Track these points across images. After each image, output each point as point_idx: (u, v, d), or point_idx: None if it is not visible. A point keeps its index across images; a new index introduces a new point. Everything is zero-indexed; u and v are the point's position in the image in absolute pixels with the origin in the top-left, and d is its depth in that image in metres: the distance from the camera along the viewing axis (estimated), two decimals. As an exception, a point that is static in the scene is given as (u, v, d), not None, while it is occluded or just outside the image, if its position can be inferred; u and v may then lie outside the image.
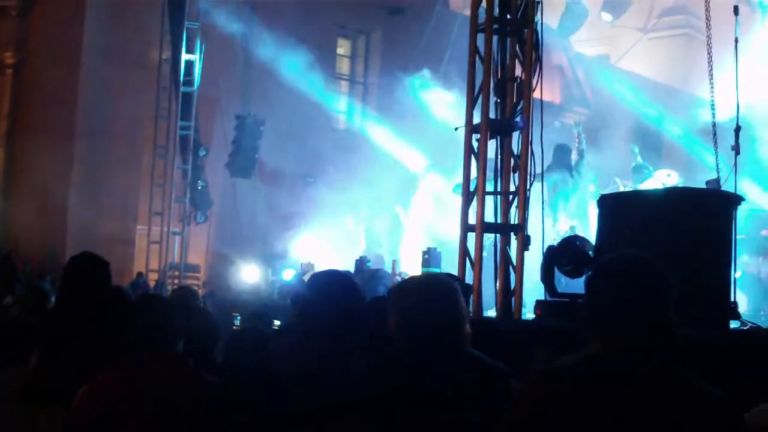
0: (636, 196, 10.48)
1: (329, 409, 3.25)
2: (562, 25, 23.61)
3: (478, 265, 9.81)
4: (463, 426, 3.14)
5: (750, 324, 8.12)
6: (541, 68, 9.92)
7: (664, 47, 25.29)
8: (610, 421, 2.77)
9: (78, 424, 4.14)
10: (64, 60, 18.84)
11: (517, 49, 10.10)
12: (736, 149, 9.64)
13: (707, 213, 8.05)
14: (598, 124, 20.51)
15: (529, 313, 10.08)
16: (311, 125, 20.24)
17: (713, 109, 9.84)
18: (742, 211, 8.40)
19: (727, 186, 9.60)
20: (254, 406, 3.64)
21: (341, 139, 21.78)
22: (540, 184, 10.58)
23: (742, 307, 9.35)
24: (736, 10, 10.54)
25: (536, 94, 9.94)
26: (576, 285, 9.36)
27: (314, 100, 20.57)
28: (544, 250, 9.55)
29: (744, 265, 11.71)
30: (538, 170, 10.15)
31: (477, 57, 10.05)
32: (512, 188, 10.00)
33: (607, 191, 11.89)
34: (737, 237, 8.27)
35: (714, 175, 10.09)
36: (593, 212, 13.54)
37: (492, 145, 10.06)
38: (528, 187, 9.82)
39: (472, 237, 9.92)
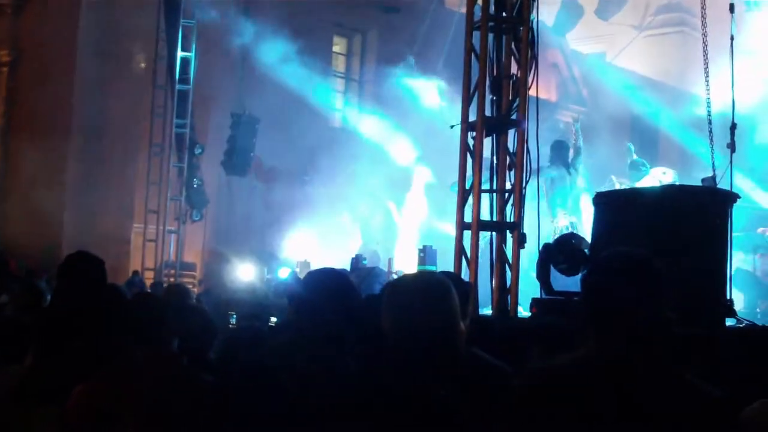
0: (632, 193, 10.47)
1: (324, 408, 3.24)
2: (557, 23, 23.64)
3: (474, 263, 9.80)
4: (456, 425, 3.14)
5: (746, 322, 8.13)
6: (536, 66, 9.92)
7: (660, 44, 25.34)
8: (606, 419, 2.77)
9: (73, 424, 4.13)
10: (60, 58, 18.84)
11: (513, 46, 10.10)
12: (732, 146, 9.64)
13: (703, 211, 8.05)
14: (594, 122, 20.52)
15: (524, 312, 10.09)
16: (307, 123, 20.22)
17: (709, 107, 9.84)
18: (738, 208, 8.39)
19: (723, 183, 9.60)
20: (249, 404, 3.63)
21: (337, 136, 21.78)
22: (536, 181, 10.58)
23: (738, 304, 9.35)
24: (731, 7, 10.54)
25: (532, 92, 9.94)
26: (572, 283, 9.36)
27: (310, 98, 20.56)
28: (540, 248, 9.55)
29: (740, 263, 11.72)
30: (535, 167, 10.14)
31: (473, 54, 10.05)
32: (508, 186, 10.00)
33: (602, 189, 11.87)
34: (733, 234, 8.27)
35: (710, 173, 10.09)
36: (584, 206, 13.57)
37: (488, 143, 10.06)
38: (524, 184, 9.81)
39: (468, 235, 9.92)
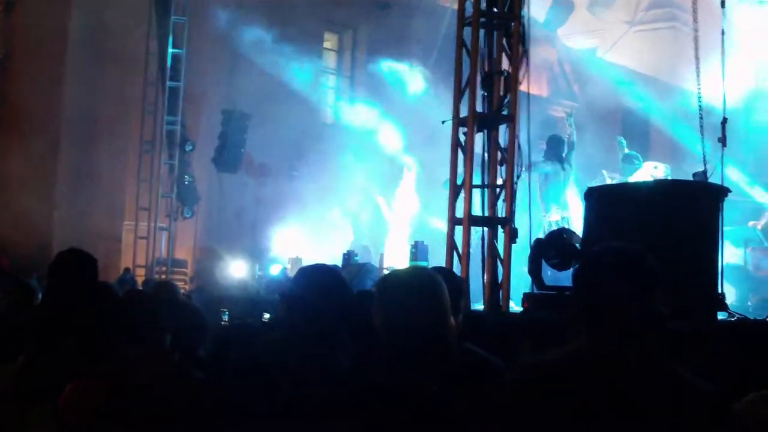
0: (623, 188, 10.51)
1: (317, 405, 3.24)
2: (549, 18, 23.65)
3: (465, 259, 9.81)
4: (449, 420, 3.14)
5: (737, 315, 8.15)
6: (528, 61, 9.94)
7: (651, 40, 25.35)
8: (598, 414, 2.77)
9: (67, 422, 4.12)
10: (50, 55, 18.77)
11: (504, 42, 10.11)
12: (723, 141, 9.66)
13: (694, 205, 8.07)
14: (585, 117, 20.53)
15: (516, 306, 10.11)
16: (298, 119, 20.20)
17: (700, 101, 9.85)
18: (729, 201, 8.41)
19: (714, 178, 9.62)
20: (242, 401, 3.63)
21: (328, 132, 21.77)
22: (527, 176, 10.59)
23: (730, 298, 9.38)
24: (722, 2, 10.56)
25: (523, 88, 9.95)
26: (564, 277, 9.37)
27: (301, 94, 20.55)
28: (532, 243, 9.57)
29: (731, 257, 11.75)
30: (527, 163, 10.16)
31: (464, 50, 10.06)
32: (499, 181, 10.01)
33: (594, 184, 11.88)
34: (724, 228, 8.30)
35: (700, 167, 10.11)
36: (572, 198, 13.58)
37: (479, 139, 10.07)
38: (515, 180, 9.82)
39: (459, 230, 9.93)
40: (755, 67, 20.22)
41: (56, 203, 18.44)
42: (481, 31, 10.05)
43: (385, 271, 14.31)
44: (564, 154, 14.15)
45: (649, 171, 13.86)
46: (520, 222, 10.10)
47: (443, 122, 10.31)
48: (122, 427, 4.03)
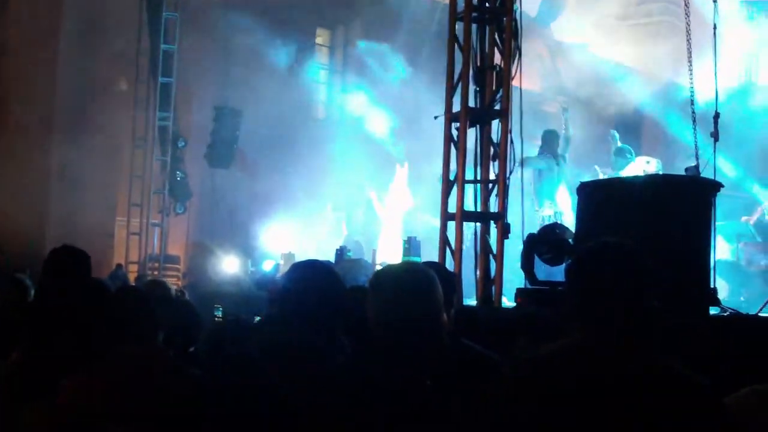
0: (616, 183, 10.49)
1: (312, 400, 3.24)
2: (541, 13, 23.64)
3: (458, 254, 9.81)
4: (443, 415, 3.14)
5: (730, 310, 8.16)
6: (520, 56, 9.93)
7: (644, 34, 25.35)
8: (591, 409, 2.78)
9: (61, 419, 4.12)
10: (42, 52, 18.71)
11: (497, 37, 10.10)
12: (715, 136, 9.66)
13: (686, 200, 8.07)
14: (578, 111, 20.52)
15: (509, 302, 10.11)
16: (290, 114, 20.18)
17: (693, 96, 9.85)
18: (721, 196, 8.42)
19: (706, 172, 9.62)
20: (235, 397, 3.63)
21: (320, 127, 21.76)
22: (520, 172, 10.59)
23: (722, 293, 9.39)
24: (714, -3, 10.56)
25: (515, 82, 9.95)
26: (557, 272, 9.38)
27: (293, 90, 20.53)
28: (524, 238, 9.57)
29: (723, 251, 11.77)
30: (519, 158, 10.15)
31: (456, 45, 10.05)
32: (492, 176, 10.01)
33: (587, 179, 11.88)
34: (716, 223, 8.31)
35: (692, 161, 10.12)
36: (565, 193, 13.58)
37: (471, 134, 10.06)
38: (507, 175, 9.83)
39: (452, 226, 9.93)
40: (745, 60, 20.29)
41: (48, 199, 18.40)
42: (473, 26, 10.04)
43: (378, 267, 14.29)
44: (559, 149, 14.15)
45: (642, 166, 13.85)
46: (513, 217, 10.11)
47: (435, 117, 10.31)
48: (117, 424, 4.03)
